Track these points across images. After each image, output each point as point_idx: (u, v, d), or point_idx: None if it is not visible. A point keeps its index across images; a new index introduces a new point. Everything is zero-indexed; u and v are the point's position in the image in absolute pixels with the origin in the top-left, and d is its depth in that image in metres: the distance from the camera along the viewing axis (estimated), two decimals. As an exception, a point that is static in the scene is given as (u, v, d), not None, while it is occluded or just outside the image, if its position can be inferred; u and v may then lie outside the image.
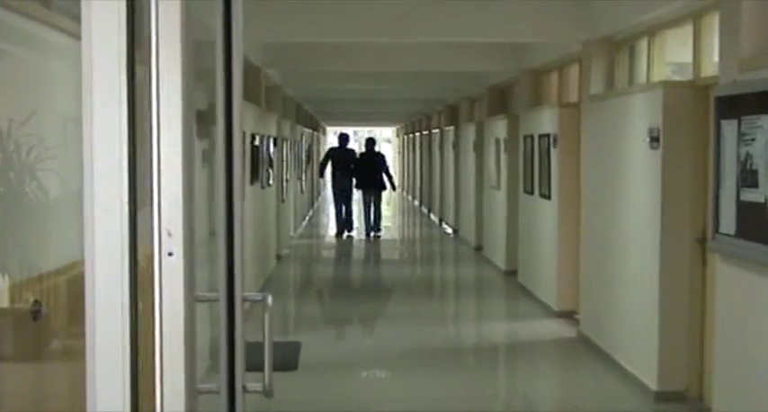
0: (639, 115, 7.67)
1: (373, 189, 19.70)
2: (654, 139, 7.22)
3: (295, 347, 8.94)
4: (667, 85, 7.22)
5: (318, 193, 33.44)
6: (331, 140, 35.94)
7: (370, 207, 19.85)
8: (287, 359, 8.46)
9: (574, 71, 11.09)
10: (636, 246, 7.80)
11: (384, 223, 21.11)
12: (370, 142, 20.89)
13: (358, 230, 20.70)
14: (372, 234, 19.79)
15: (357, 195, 20.22)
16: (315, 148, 30.25)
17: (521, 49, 12.67)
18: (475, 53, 13.07)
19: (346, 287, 14.01)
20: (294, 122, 19.59)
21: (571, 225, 10.33)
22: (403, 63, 13.48)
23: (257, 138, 11.72)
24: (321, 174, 21.40)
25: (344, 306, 12.06)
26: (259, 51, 12.37)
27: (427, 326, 10.44)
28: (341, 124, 45.02)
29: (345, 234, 20.06)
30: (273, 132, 14.46)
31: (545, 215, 11.28)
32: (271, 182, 14.17)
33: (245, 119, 10.77)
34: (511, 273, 13.49)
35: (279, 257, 15.67)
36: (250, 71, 12.70)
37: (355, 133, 54.32)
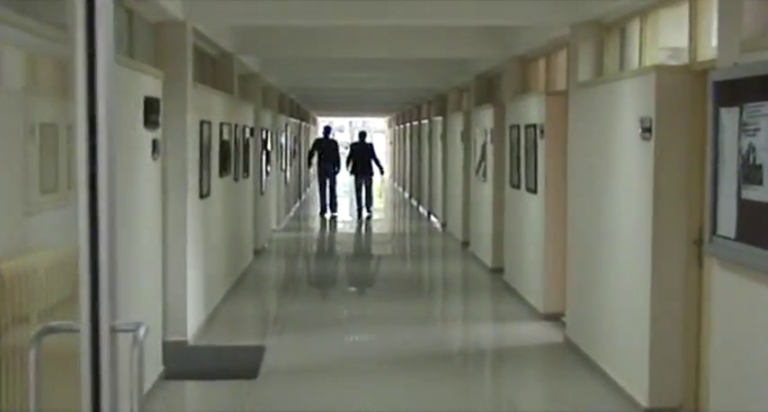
0: (630, 103, 7.02)
1: (365, 174, 22.33)
2: (645, 130, 6.56)
3: (257, 353, 8.26)
4: (660, 69, 6.56)
5: (307, 185, 32.68)
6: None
7: (361, 191, 22.35)
8: (246, 366, 7.80)
9: (562, 57, 10.44)
10: (626, 246, 7.15)
11: (373, 216, 22.49)
12: (362, 134, 23.71)
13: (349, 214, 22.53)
14: (364, 214, 22.18)
15: (344, 180, 21.93)
16: (303, 139, 29.51)
17: (507, 35, 12.02)
18: (460, 39, 12.40)
19: (325, 284, 13.32)
20: (277, 112, 18.90)
21: (558, 222, 9.70)
22: (386, 49, 12.80)
23: (227, 128, 11.03)
24: (309, 164, 23.67)
25: (320, 305, 11.38)
26: (231, 36, 11.69)
27: (407, 328, 9.79)
28: (332, 114, 44.32)
29: (329, 214, 22.22)
30: (249, 122, 13.79)
31: (531, 210, 10.64)
32: (247, 173, 13.51)
33: (212, 107, 10.09)
34: (497, 271, 12.85)
35: (257, 252, 15.01)
36: (221, 58, 12.03)
37: (351, 124, 53.88)
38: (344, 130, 54.69)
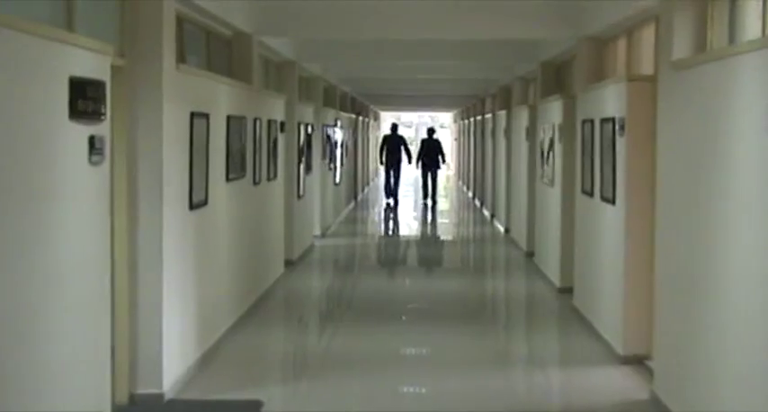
0: (752, 86, 4.98)
1: (432, 167, 25.45)
2: (779, 124, 4.54)
3: (250, 410, 6.37)
4: (804, 35, 4.52)
5: (367, 183, 30.69)
6: (386, 126, 33.78)
7: (427, 181, 25.59)
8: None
9: (647, 35, 8.43)
10: (744, 280, 5.11)
11: (438, 204, 25.18)
12: (431, 131, 26.46)
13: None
14: (429, 202, 25.28)
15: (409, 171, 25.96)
16: (361, 136, 27.53)
17: (579, 11, 10.01)
18: (525, 18, 10.43)
19: (361, 308, 11.10)
20: (321, 105, 16.99)
21: (643, 240, 7.72)
22: (442, 30, 10.86)
23: (238, 122, 9.16)
24: (381, 161, 26.26)
25: (351, 337, 9.27)
26: (247, 13, 9.82)
27: (459, 375, 7.71)
28: (395, 109, 42.43)
29: (392, 200, 25.22)
30: (279, 116, 11.93)
31: (608, 224, 8.61)
32: (275, 175, 11.65)
33: (213, 97, 8.22)
34: (566, 292, 10.83)
35: (289, 263, 13.15)
36: (237, 40, 10.16)
37: (419, 118, 52.38)
38: (412, 125, 53.54)
